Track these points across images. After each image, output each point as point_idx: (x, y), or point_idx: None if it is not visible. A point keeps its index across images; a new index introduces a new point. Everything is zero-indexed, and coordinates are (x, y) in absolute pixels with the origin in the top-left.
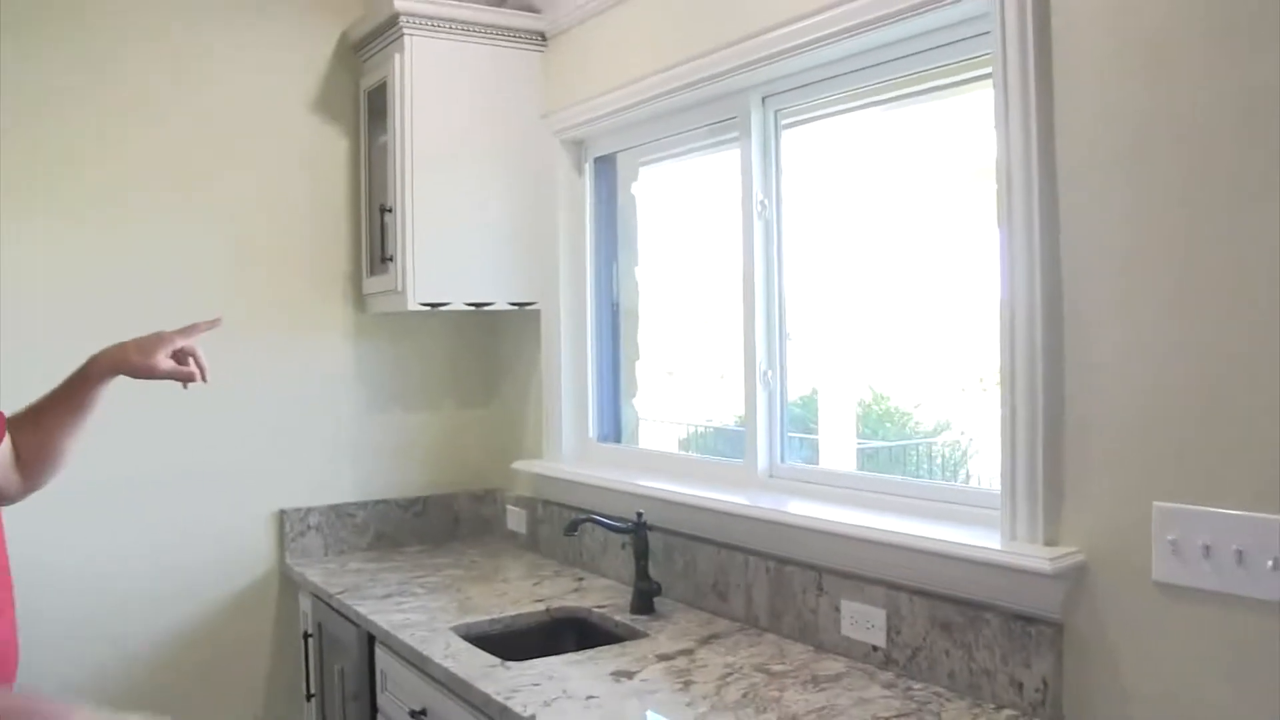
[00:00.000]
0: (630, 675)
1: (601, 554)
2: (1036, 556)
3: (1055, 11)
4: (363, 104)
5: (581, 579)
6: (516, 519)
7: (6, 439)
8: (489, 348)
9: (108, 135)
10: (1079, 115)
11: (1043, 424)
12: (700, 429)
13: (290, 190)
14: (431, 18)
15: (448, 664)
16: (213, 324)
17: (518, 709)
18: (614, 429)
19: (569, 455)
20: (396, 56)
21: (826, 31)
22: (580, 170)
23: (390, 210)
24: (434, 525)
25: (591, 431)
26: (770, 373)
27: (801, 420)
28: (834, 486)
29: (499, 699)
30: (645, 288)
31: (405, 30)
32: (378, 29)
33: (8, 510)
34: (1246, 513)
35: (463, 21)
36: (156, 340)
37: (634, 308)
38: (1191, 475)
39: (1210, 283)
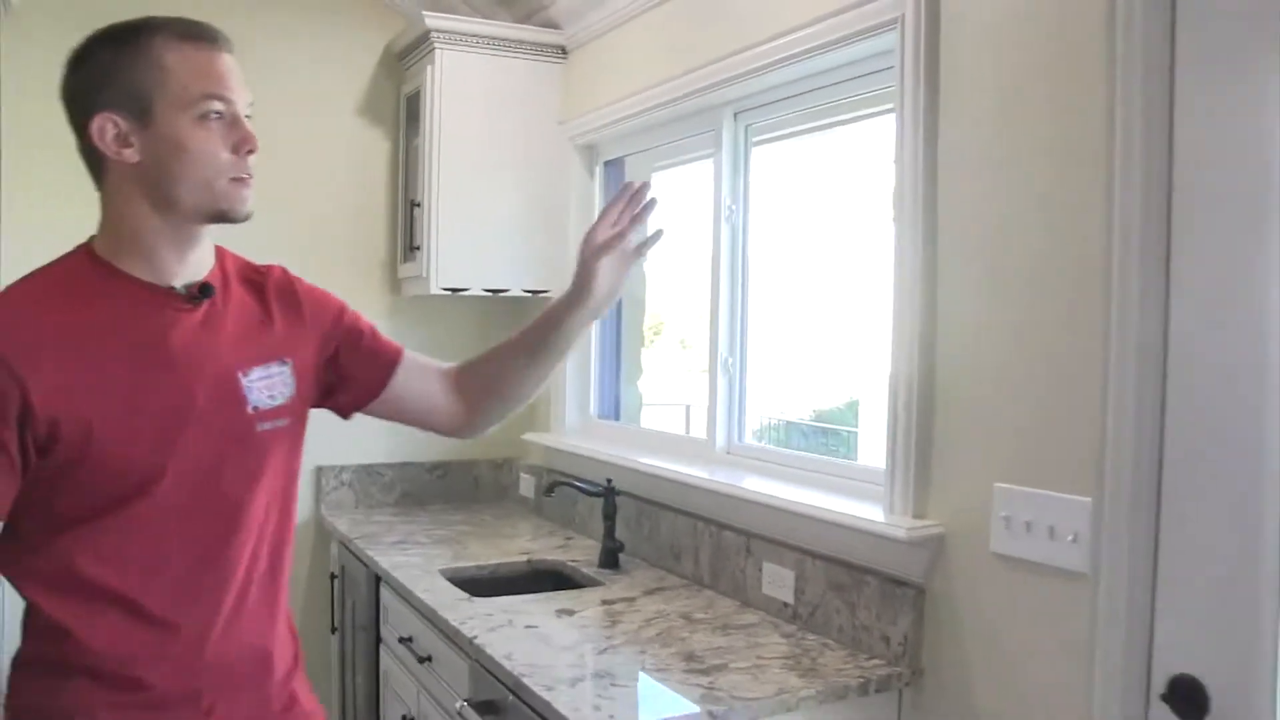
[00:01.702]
0: (572, 613)
1: (590, 517)
2: (897, 526)
3: (943, 56)
4: (402, 109)
5: (570, 538)
6: (527, 485)
7: (407, 360)
8: (508, 330)
9: None
10: (956, 139)
11: (917, 412)
12: (772, 421)
13: (338, 185)
14: (461, 33)
15: (424, 597)
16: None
17: (467, 632)
18: (614, 407)
19: (571, 429)
20: (428, 68)
21: (779, 56)
22: (591, 172)
23: (419, 205)
24: (455, 487)
25: (593, 409)
26: (731, 360)
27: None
28: (779, 464)
29: (454, 624)
30: (652, 280)
31: (436, 45)
32: (414, 43)
33: None
34: (1056, 493)
35: (489, 37)
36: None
37: (641, 298)
38: (1022, 460)
39: (1042, 295)
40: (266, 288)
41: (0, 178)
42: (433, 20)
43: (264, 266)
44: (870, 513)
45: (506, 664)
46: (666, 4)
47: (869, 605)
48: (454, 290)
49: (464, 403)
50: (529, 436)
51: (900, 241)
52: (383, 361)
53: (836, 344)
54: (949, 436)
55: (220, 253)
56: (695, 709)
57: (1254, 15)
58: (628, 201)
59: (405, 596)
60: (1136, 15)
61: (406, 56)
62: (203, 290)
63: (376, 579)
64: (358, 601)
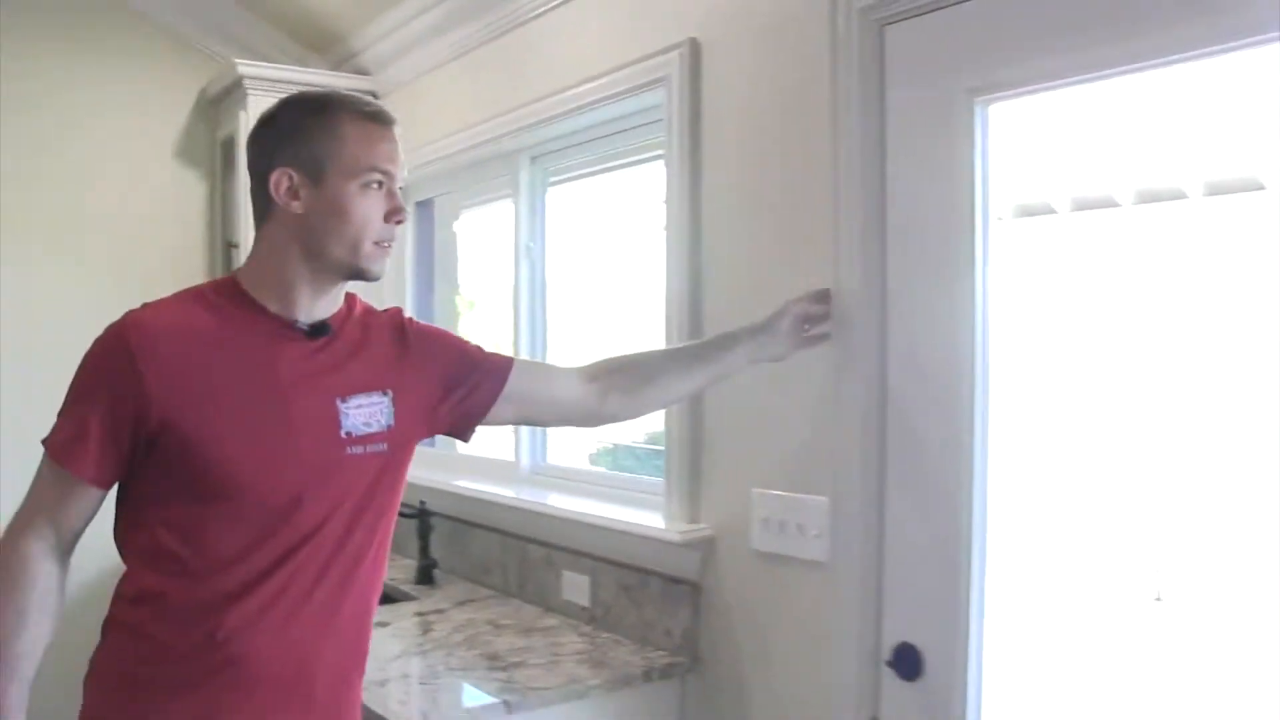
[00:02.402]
0: (387, 625)
1: (408, 539)
2: (672, 531)
3: (704, 111)
4: (218, 153)
5: (393, 559)
6: None
7: (518, 366)
8: None
9: None
10: (716, 183)
11: (688, 427)
12: (609, 445)
13: (156, 225)
14: (273, 80)
15: None
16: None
17: None
18: None
19: None
20: (241, 114)
21: (568, 107)
22: None
23: (236, 246)
24: None
25: None
26: None
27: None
28: (578, 481)
29: None
30: (465, 312)
31: (249, 90)
32: (227, 89)
33: None
34: (802, 495)
35: (301, 83)
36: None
37: (455, 329)
38: (774, 467)
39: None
40: (380, 326)
41: None
42: (245, 68)
43: (384, 310)
44: (652, 520)
45: None
46: (468, 55)
47: (653, 603)
48: None
49: (598, 393)
50: None
51: (670, 274)
52: (495, 374)
53: None
54: (715, 450)
55: (350, 298)
56: (492, 699)
57: (945, 85)
58: (821, 303)
59: None
60: (854, 85)
61: (221, 102)
62: (320, 328)
63: None
64: None
